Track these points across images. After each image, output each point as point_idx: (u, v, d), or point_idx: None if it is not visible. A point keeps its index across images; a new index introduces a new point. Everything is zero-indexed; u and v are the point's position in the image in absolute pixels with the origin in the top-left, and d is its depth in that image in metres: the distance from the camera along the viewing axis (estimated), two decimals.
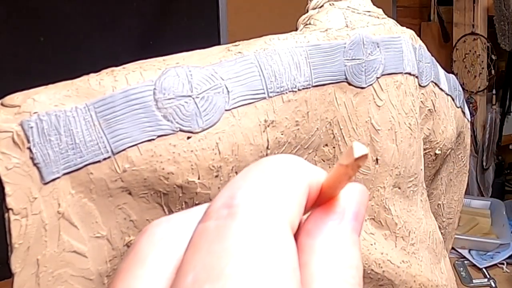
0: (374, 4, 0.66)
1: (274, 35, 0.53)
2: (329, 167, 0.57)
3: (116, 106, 0.43)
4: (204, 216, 0.18)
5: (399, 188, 0.64)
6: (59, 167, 0.41)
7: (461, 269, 1.44)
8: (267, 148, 0.50)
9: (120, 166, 0.43)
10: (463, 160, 0.87)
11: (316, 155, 0.56)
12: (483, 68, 1.88)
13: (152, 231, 0.20)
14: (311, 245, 0.19)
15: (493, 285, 1.37)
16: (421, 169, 0.68)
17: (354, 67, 0.57)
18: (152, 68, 0.45)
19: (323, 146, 0.56)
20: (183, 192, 0.46)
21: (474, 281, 1.39)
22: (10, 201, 0.39)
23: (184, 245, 0.18)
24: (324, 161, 0.57)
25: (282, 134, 0.51)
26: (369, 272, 0.60)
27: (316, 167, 0.20)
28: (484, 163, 1.94)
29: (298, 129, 0.53)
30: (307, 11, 0.62)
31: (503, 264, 1.45)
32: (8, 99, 0.41)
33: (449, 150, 0.77)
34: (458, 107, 0.80)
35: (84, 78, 0.44)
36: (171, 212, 0.47)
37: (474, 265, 1.45)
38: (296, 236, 0.19)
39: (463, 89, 1.64)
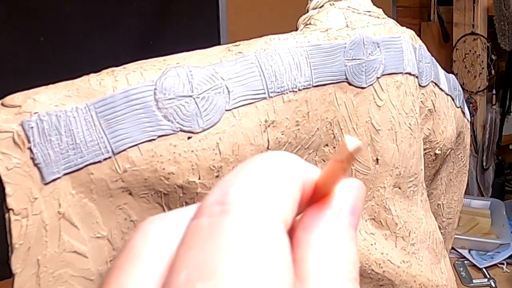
0: (374, 4, 0.66)
1: (274, 35, 0.53)
2: None
3: (117, 106, 0.43)
4: (197, 213, 0.18)
5: (399, 188, 0.64)
6: (60, 167, 0.41)
7: (461, 269, 1.44)
8: (268, 148, 0.50)
9: (120, 166, 0.43)
10: (463, 160, 0.87)
11: (316, 155, 0.56)
12: (483, 68, 1.88)
13: (146, 228, 0.20)
14: (308, 240, 0.18)
15: (493, 285, 1.37)
16: (421, 169, 0.68)
17: (355, 67, 0.57)
18: (153, 68, 0.45)
19: (324, 146, 0.56)
20: (184, 192, 0.46)
21: (474, 281, 1.39)
22: (10, 202, 0.39)
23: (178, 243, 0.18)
24: (324, 161, 0.57)
25: (282, 134, 0.51)
26: (369, 272, 0.60)
27: (310, 164, 0.20)
28: (484, 163, 1.94)
29: (299, 129, 0.53)
30: (307, 11, 0.62)
31: (503, 264, 1.45)
32: (9, 99, 0.41)
33: (449, 150, 0.77)
34: (458, 107, 0.80)
35: (85, 78, 0.44)
36: None
37: (474, 265, 1.45)
38: (291, 231, 0.19)
39: (463, 89, 1.64)
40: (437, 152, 0.74)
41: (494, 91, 1.93)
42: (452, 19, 1.94)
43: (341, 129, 0.57)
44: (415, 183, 0.67)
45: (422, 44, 0.70)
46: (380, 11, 0.66)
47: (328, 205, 0.19)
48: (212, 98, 0.47)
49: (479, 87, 1.91)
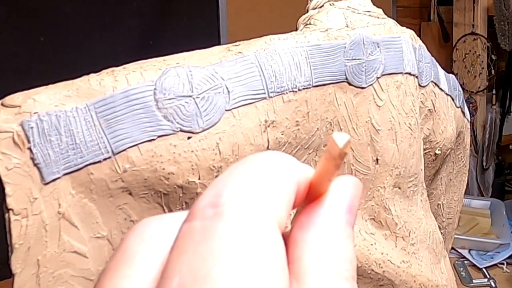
0: (374, 4, 0.66)
1: (274, 35, 0.53)
2: None
3: (117, 106, 0.43)
4: (189, 215, 0.17)
5: (399, 188, 0.64)
6: (60, 167, 0.41)
7: (461, 269, 1.44)
8: (268, 148, 0.50)
9: (120, 166, 0.43)
10: (463, 160, 0.87)
11: (316, 155, 0.56)
12: (483, 68, 1.88)
13: (142, 229, 0.19)
14: (304, 238, 0.18)
15: (493, 285, 1.37)
16: (421, 169, 0.68)
17: (355, 67, 0.57)
18: (153, 68, 0.45)
19: (324, 146, 0.56)
20: (184, 193, 0.46)
21: (474, 281, 1.39)
22: (10, 202, 0.39)
23: None
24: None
25: (282, 134, 0.51)
26: (369, 272, 0.60)
27: (304, 164, 0.20)
28: (484, 163, 1.94)
29: (299, 129, 0.53)
30: (307, 11, 0.62)
31: (503, 264, 1.46)
32: (9, 99, 0.41)
33: (449, 150, 0.77)
34: (458, 107, 0.80)
35: (85, 78, 0.44)
36: (171, 212, 0.47)
37: (474, 265, 1.45)
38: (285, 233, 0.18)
39: (463, 89, 1.64)
40: (437, 152, 0.74)
41: (494, 91, 1.94)
42: (452, 19, 1.94)
43: (341, 129, 0.57)
44: (415, 183, 0.67)
45: (422, 44, 0.70)
46: (380, 11, 0.66)
47: (324, 203, 0.19)
48: (212, 98, 0.47)
49: (479, 87, 1.91)
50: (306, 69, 0.53)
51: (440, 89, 0.73)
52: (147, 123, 0.44)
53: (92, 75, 0.44)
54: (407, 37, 0.65)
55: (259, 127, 0.49)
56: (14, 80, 0.81)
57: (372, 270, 0.60)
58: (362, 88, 0.58)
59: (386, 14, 0.66)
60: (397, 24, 0.66)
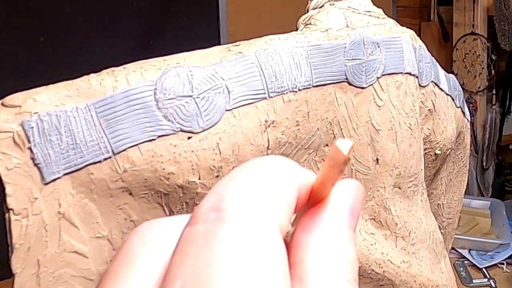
0: (374, 4, 0.66)
1: (274, 35, 0.53)
2: None
3: (117, 106, 0.43)
4: (191, 219, 0.17)
5: (400, 188, 0.64)
6: (60, 167, 0.41)
7: (461, 269, 1.44)
8: (268, 148, 0.50)
9: (120, 166, 0.43)
10: (463, 160, 0.87)
11: (316, 155, 0.56)
12: (483, 68, 1.88)
13: (144, 232, 0.19)
14: (307, 241, 0.18)
15: (493, 285, 1.37)
16: (421, 169, 0.68)
17: (355, 67, 0.57)
18: (153, 68, 0.45)
19: (324, 146, 0.56)
20: (184, 192, 0.46)
21: (474, 281, 1.39)
22: (10, 202, 0.39)
23: None
24: (324, 161, 0.57)
25: (282, 134, 0.51)
26: (369, 272, 0.60)
27: (305, 169, 0.20)
28: (484, 163, 1.94)
29: (299, 129, 0.53)
30: (307, 11, 0.62)
31: (503, 264, 1.46)
32: (9, 99, 0.41)
33: (449, 150, 0.77)
34: (458, 107, 0.80)
35: (85, 78, 0.44)
36: (171, 212, 0.47)
37: (474, 265, 1.45)
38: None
39: (463, 89, 1.64)
40: (437, 152, 0.74)
41: (494, 91, 1.94)
42: (452, 19, 1.94)
43: (341, 129, 0.57)
44: (415, 183, 0.67)
45: (422, 44, 0.70)
46: (380, 11, 0.66)
47: (327, 207, 0.19)
48: (212, 98, 0.47)
49: (479, 87, 1.91)
50: (306, 69, 0.53)
51: (440, 89, 0.73)
52: (147, 123, 0.44)
53: (92, 75, 0.44)
54: (407, 37, 0.65)
55: (259, 127, 0.49)
56: (14, 80, 0.81)
57: (372, 270, 0.60)
58: (362, 88, 0.58)
59: (386, 14, 0.66)
60: (397, 24, 0.66)
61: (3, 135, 0.39)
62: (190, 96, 0.46)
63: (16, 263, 0.40)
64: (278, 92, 0.51)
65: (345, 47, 0.56)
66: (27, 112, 0.40)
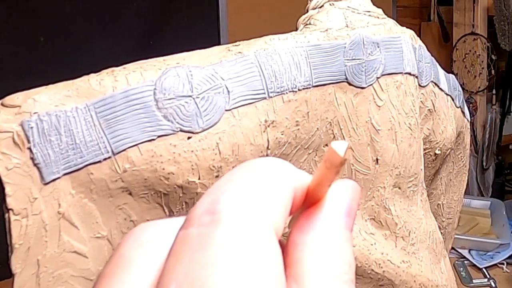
0: (374, 4, 0.66)
1: (274, 35, 0.53)
2: None
3: (117, 106, 0.43)
4: (186, 222, 0.17)
5: (399, 188, 0.64)
6: (60, 167, 0.41)
7: (461, 269, 1.44)
8: (268, 148, 0.50)
9: (120, 166, 0.43)
10: (463, 160, 0.87)
11: (316, 155, 0.56)
12: (483, 68, 1.88)
13: (138, 234, 0.19)
14: (304, 241, 0.18)
15: (493, 285, 1.37)
16: (421, 169, 0.68)
17: (354, 67, 0.57)
18: (153, 68, 0.45)
19: (324, 146, 0.56)
20: (184, 192, 0.46)
21: (474, 281, 1.39)
22: (10, 202, 0.39)
23: None
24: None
25: (282, 134, 0.51)
26: (369, 272, 0.60)
27: (300, 170, 0.20)
28: (484, 163, 1.94)
29: (299, 129, 0.53)
30: (307, 11, 0.62)
31: (503, 264, 1.46)
32: (9, 99, 0.41)
33: (449, 150, 0.77)
34: (458, 107, 0.80)
35: (85, 78, 0.44)
36: (171, 212, 0.47)
37: (474, 265, 1.45)
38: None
39: (463, 89, 1.64)
40: (437, 152, 0.74)
41: (494, 91, 1.94)
42: (452, 19, 1.94)
43: (341, 129, 0.57)
44: (415, 183, 0.67)
45: (422, 44, 0.70)
46: (380, 11, 0.66)
47: (323, 207, 0.19)
48: (212, 98, 0.47)
49: (479, 87, 1.91)
50: (306, 69, 0.53)
51: (440, 89, 0.73)
52: (147, 123, 0.44)
53: (92, 75, 0.44)
54: (407, 37, 0.65)
55: (259, 127, 0.49)
56: (14, 80, 0.81)
57: (372, 270, 0.60)
58: (362, 88, 0.58)
59: (386, 14, 0.66)
60: (397, 24, 0.66)
61: (3, 135, 0.39)
62: (190, 96, 0.46)
63: (16, 263, 0.40)
64: (278, 92, 0.51)
65: (345, 47, 0.56)
66: (27, 112, 0.40)
